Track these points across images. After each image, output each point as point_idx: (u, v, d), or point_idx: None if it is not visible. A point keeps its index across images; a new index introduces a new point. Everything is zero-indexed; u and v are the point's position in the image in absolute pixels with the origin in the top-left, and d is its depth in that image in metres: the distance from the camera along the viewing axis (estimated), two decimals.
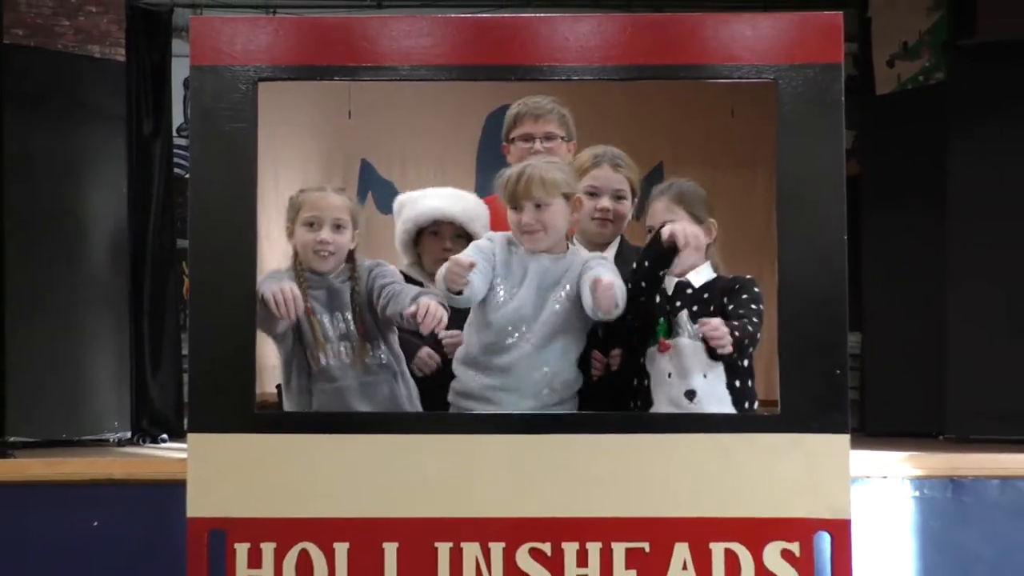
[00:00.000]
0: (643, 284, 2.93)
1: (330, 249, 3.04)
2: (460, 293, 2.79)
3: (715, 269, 3.09)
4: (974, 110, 6.81)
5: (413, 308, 2.80)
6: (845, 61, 2.55)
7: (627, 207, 3.34)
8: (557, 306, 2.92)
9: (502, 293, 2.93)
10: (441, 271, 2.83)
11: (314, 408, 3.04)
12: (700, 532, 2.43)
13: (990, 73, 6.67)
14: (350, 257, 3.15)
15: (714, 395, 2.91)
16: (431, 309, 2.78)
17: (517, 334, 2.91)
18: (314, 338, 3.02)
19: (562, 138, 3.51)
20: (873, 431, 7.10)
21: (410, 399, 3.13)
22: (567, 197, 2.94)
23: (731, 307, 2.94)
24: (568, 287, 2.93)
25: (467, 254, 2.90)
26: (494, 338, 2.93)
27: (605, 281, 2.73)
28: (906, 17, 7.42)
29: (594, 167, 3.28)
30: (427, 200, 3.48)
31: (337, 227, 3.05)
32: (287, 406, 3.17)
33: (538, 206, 2.90)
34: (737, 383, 2.96)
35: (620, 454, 2.46)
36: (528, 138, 3.47)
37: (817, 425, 2.44)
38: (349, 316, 3.05)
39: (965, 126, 6.87)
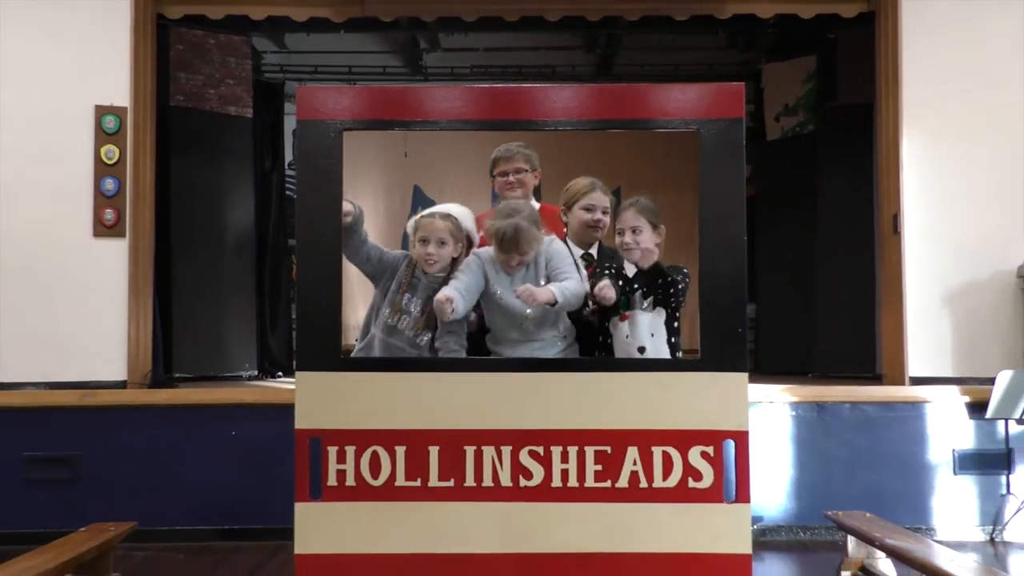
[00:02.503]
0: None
1: (434, 259, 2.96)
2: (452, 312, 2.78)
3: (660, 261, 3.06)
4: (835, 152, 6.83)
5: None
6: (745, 117, 2.53)
7: (608, 219, 3.29)
8: (541, 282, 2.89)
9: (500, 293, 2.90)
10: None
11: (366, 341, 3.01)
12: (645, 439, 2.43)
13: (846, 126, 6.68)
14: (453, 263, 3.05)
15: (657, 350, 2.88)
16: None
17: (519, 318, 2.89)
18: (394, 304, 2.97)
19: (527, 170, 3.45)
20: (764, 371, 7.11)
21: None
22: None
23: (669, 283, 2.91)
24: (542, 282, 2.90)
25: (451, 287, 2.85)
26: (510, 319, 2.90)
27: (542, 299, 2.75)
28: (787, 87, 7.41)
29: (591, 190, 3.22)
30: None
31: (441, 243, 2.97)
32: (360, 333, 3.12)
33: (522, 254, 2.87)
34: (672, 340, 2.94)
35: (592, 386, 2.46)
36: (504, 173, 3.42)
37: (726, 366, 2.44)
38: (419, 301, 2.96)
39: (828, 163, 6.88)
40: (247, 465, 4.73)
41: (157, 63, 6.01)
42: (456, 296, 2.78)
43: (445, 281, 2.95)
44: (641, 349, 2.86)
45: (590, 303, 2.97)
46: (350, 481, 2.43)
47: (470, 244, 3.11)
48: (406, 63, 8.27)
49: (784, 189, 7.32)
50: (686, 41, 7.54)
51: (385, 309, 3.00)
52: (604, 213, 3.24)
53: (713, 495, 2.41)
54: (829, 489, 5.07)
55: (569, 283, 2.84)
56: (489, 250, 2.97)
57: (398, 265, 3.04)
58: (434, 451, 2.44)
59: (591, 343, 3.03)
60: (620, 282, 2.95)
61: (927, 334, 5.58)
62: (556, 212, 3.36)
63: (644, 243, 2.93)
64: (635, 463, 2.42)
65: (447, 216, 3.03)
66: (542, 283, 2.90)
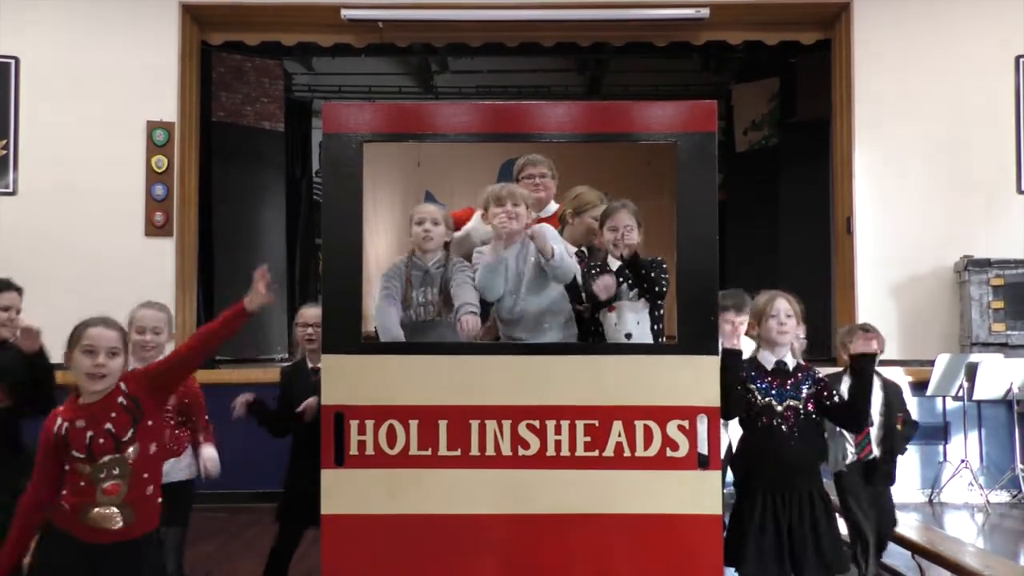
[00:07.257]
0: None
1: (431, 236, 2.86)
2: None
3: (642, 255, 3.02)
4: (795, 162, 6.83)
5: (458, 324, 2.67)
6: (717, 131, 2.51)
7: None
8: (531, 259, 2.82)
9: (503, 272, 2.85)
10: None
11: (404, 338, 2.89)
12: (629, 414, 2.40)
13: (805, 140, 6.67)
14: (446, 246, 2.96)
15: (642, 336, 2.85)
16: (467, 324, 2.65)
17: (517, 292, 2.85)
18: (407, 300, 2.88)
19: (551, 176, 3.45)
20: None
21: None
22: (527, 205, 2.85)
23: (652, 276, 2.87)
24: (531, 256, 2.83)
25: (467, 310, 2.74)
26: (510, 293, 2.84)
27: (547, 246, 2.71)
28: (754, 105, 7.40)
29: (601, 204, 3.16)
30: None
31: (435, 223, 2.88)
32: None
33: (515, 204, 2.81)
34: (655, 327, 2.92)
35: (583, 367, 2.44)
36: (531, 176, 3.41)
37: (699, 350, 2.41)
38: (433, 290, 2.86)
39: (789, 172, 6.87)
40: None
41: (201, 84, 5.99)
42: (475, 320, 2.71)
43: (443, 271, 2.87)
44: (628, 336, 2.83)
45: (583, 297, 2.94)
46: (369, 450, 2.40)
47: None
48: (419, 83, 8.24)
49: (751, 194, 7.31)
50: (665, 64, 7.52)
51: (408, 309, 2.88)
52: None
53: (688, 463, 2.38)
54: None
55: (559, 247, 2.78)
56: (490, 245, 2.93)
57: (394, 277, 2.91)
58: (443, 424, 2.42)
59: (584, 332, 3.00)
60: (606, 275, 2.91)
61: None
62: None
63: (633, 240, 2.93)
64: (620, 435, 2.40)
65: (434, 201, 2.94)
66: (531, 260, 2.82)
